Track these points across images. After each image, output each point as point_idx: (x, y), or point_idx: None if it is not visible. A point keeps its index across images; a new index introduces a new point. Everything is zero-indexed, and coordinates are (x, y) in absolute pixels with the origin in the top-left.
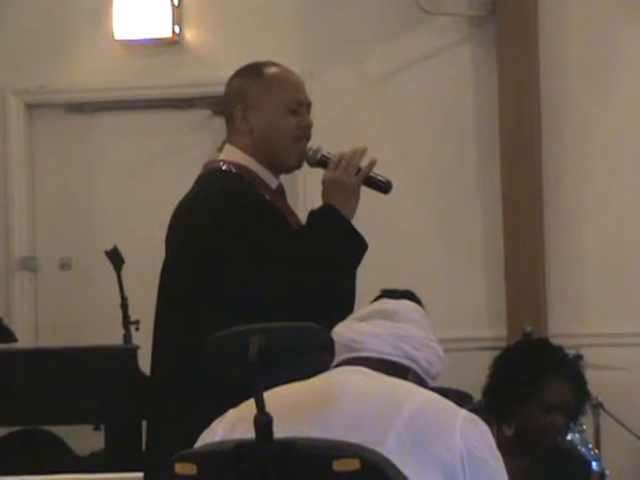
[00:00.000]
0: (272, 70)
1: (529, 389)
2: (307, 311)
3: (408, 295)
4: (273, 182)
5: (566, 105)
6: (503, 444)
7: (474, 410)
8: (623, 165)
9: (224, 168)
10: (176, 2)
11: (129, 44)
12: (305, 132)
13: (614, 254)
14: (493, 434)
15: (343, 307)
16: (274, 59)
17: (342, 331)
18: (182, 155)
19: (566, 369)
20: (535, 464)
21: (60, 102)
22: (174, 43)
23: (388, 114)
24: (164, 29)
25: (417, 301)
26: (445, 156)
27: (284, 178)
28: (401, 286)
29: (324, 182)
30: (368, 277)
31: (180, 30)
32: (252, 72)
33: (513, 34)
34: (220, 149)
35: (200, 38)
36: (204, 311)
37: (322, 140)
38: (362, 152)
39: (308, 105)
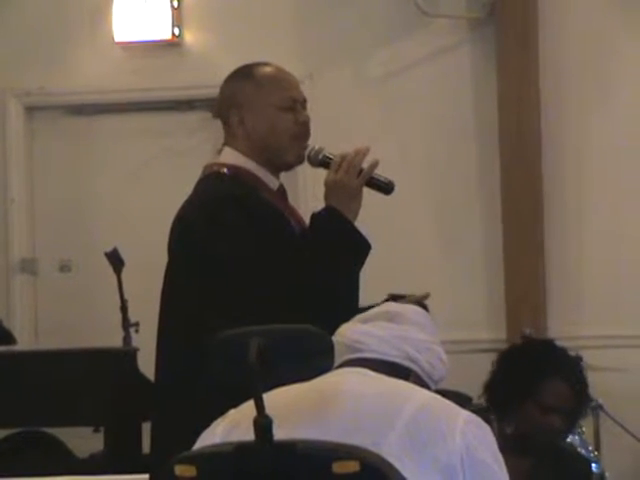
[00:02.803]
0: (263, 70)
1: (527, 388)
2: (309, 312)
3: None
4: (274, 183)
5: (565, 107)
6: (504, 442)
7: (474, 412)
8: (622, 167)
9: (222, 171)
10: (175, 4)
11: (129, 46)
12: (303, 128)
13: (613, 256)
14: (493, 432)
15: (346, 308)
16: (273, 61)
17: (345, 332)
18: (182, 157)
19: (567, 372)
20: (539, 466)
21: (60, 104)
22: (174, 45)
23: (387, 116)
24: (164, 31)
25: (424, 306)
26: (444, 158)
27: (284, 178)
28: (399, 288)
29: (326, 184)
30: (366, 279)
31: (180, 32)
32: (243, 75)
33: (512, 36)
34: (220, 152)
35: (200, 40)
36: (205, 315)
37: (321, 141)
38: (364, 153)
39: (303, 101)
